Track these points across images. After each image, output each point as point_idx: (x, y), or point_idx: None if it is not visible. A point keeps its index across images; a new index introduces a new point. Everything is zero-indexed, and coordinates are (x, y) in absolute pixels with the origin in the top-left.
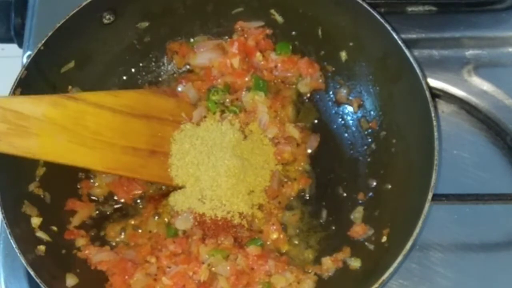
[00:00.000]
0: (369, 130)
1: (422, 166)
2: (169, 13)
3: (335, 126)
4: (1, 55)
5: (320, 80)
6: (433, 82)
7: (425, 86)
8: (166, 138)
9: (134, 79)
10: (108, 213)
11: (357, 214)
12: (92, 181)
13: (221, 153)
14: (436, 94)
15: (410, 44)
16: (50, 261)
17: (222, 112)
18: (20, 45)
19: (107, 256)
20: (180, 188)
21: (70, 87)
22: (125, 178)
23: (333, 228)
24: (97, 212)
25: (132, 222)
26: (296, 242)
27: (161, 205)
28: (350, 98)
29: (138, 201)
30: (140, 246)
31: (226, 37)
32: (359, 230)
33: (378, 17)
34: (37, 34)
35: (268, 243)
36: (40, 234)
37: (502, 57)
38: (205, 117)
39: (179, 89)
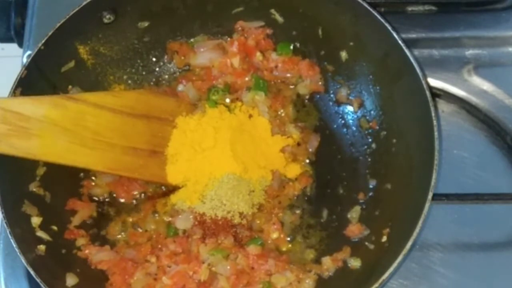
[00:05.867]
0: (369, 130)
1: (422, 166)
2: (169, 13)
3: (335, 126)
4: (1, 55)
5: (320, 83)
6: (433, 82)
7: (425, 86)
8: (166, 138)
9: (134, 79)
10: (108, 212)
11: (354, 213)
12: (92, 181)
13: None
14: (436, 93)
15: (410, 43)
16: (50, 261)
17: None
18: (20, 44)
19: (107, 255)
20: (180, 187)
21: (70, 86)
22: (125, 178)
23: (334, 227)
24: (97, 211)
25: (131, 220)
26: (297, 241)
27: (160, 204)
28: (350, 97)
29: (136, 201)
30: (140, 245)
31: (226, 37)
32: (354, 230)
33: (378, 16)
34: (37, 34)
35: (269, 242)
36: (40, 233)
37: (502, 57)
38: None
39: (179, 89)
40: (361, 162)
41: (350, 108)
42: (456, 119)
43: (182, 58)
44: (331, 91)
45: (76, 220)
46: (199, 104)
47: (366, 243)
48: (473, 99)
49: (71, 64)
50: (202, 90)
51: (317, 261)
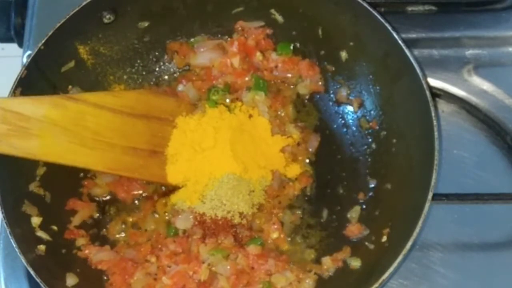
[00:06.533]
0: (369, 130)
1: (422, 166)
2: (169, 13)
3: (335, 126)
4: (1, 55)
5: (320, 83)
6: (433, 82)
7: (425, 86)
8: (166, 138)
9: (134, 79)
10: (108, 212)
11: (354, 213)
12: (92, 181)
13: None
14: (436, 93)
15: (410, 43)
16: (50, 261)
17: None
18: (20, 44)
19: (107, 255)
20: (180, 187)
21: (70, 86)
22: (125, 178)
23: (334, 227)
24: (97, 211)
25: (131, 220)
26: (297, 241)
27: (160, 204)
28: (351, 97)
29: (137, 201)
30: (140, 245)
31: (226, 36)
32: (354, 230)
33: (378, 16)
34: (37, 34)
35: (269, 242)
36: (40, 233)
37: (502, 57)
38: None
39: (179, 89)
40: (361, 162)
41: (350, 108)
42: (456, 119)
43: (182, 58)
44: (331, 91)
45: (76, 220)
46: (199, 104)
47: (366, 243)
48: (473, 99)
49: (71, 64)
50: (202, 90)
51: (317, 261)
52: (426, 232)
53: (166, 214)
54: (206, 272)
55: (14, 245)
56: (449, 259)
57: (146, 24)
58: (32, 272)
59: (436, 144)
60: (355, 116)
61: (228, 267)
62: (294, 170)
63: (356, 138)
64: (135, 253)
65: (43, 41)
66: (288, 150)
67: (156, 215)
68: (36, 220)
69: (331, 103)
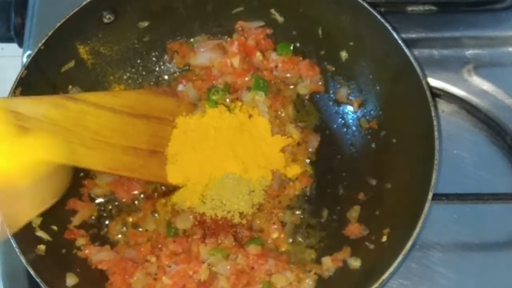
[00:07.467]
0: (369, 130)
1: (422, 166)
2: (169, 13)
3: (335, 126)
4: (1, 54)
5: (320, 83)
6: (433, 82)
7: (425, 86)
8: (166, 138)
9: (134, 79)
10: (108, 212)
11: (354, 213)
12: (92, 181)
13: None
14: (436, 93)
15: (410, 43)
16: (50, 261)
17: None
18: (20, 44)
19: (107, 255)
20: (180, 187)
21: (70, 86)
22: (125, 178)
23: (334, 227)
24: (97, 211)
25: (131, 220)
26: (297, 241)
27: (160, 204)
28: (350, 97)
29: (137, 201)
30: (140, 245)
31: (226, 36)
32: (353, 230)
33: (378, 16)
34: (37, 34)
35: (269, 242)
36: (40, 233)
37: (502, 57)
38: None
39: (179, 89)
40: (361, 162)
41: (350, 108)
42: (456, 119)
43: (182, 58)
44: (331, 91)
45: (76, 220)
46: (199, 104)
47: (366, 243)
48: (473, 99)
49: (71, 64)
50: (202, 90)
51: (317, 261)
52: (426, 232)
53: (166, 214)
54: (206, 272)
55: (14, 245)
56: (449, 259)
57: (146, 24)
58: (32, 272)
59: (436, 144)
60: (355, 116)
61: (228, 267)
62: (294, 170)
63: (356, 138)
64: (135, 253)
65: (43, 41)
66: (288, 150)
67: (156, 215)
68: (36, 220)
69: (331, 103)
